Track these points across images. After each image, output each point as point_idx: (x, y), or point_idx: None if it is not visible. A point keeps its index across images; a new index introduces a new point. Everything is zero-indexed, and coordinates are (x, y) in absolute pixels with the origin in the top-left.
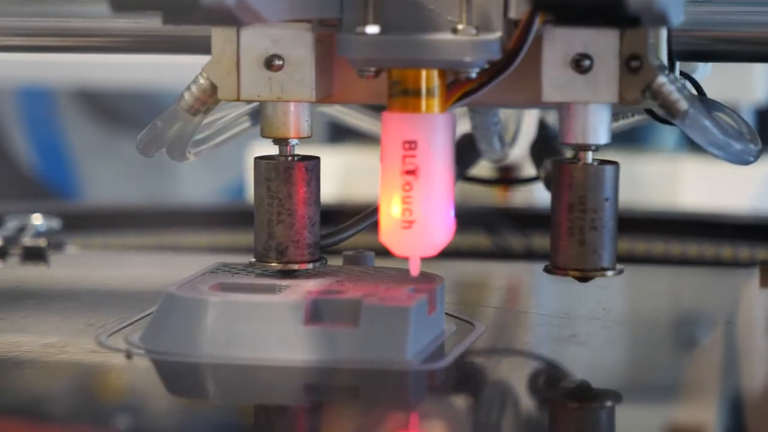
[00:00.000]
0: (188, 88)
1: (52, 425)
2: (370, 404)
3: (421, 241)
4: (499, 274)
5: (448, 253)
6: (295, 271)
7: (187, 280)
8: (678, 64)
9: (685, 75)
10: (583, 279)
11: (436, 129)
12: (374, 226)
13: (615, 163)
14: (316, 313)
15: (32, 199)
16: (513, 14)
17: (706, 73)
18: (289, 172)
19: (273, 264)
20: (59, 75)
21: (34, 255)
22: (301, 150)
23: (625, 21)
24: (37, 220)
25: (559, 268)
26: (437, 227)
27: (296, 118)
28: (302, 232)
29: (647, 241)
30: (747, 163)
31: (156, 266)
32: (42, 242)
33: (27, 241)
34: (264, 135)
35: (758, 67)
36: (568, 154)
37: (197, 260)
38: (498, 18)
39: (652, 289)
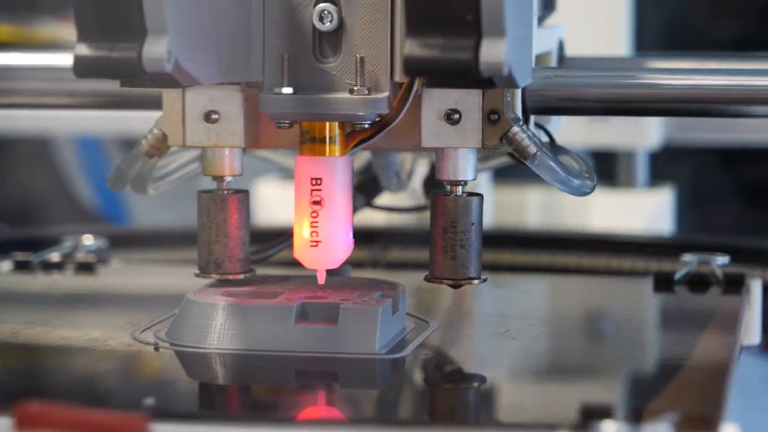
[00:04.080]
0: (145, 136)
1: (97, 402)
2: (347, 385)
3: (326, 257)
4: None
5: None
6: (230, 281)
7: (203, 288)
8: (532, 118)
9: (539, 126)
10: (455, 286)
11: (337, 169)
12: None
13: (480, 195)
14: (303, 314)
15: (86, 224)
16: (397, 78)
17: (560, 124)
18: (224, 203)
19: (213, 275)
20: (106, 127)
21: (85, 268)
22: None
23: (481, 83)
24: (88, 240)
25: (436, 278)
26: (338, 246)
27: (230, 160)
28: (235, 250)
29: (564, 256)
30: (584, 194)
31: (182, 277)
32: (91, 258)
33: (79, 256)
34: (204, 173)
35: (652, 120)
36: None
37: None
38: (386, 81)
39: (569, 295)
